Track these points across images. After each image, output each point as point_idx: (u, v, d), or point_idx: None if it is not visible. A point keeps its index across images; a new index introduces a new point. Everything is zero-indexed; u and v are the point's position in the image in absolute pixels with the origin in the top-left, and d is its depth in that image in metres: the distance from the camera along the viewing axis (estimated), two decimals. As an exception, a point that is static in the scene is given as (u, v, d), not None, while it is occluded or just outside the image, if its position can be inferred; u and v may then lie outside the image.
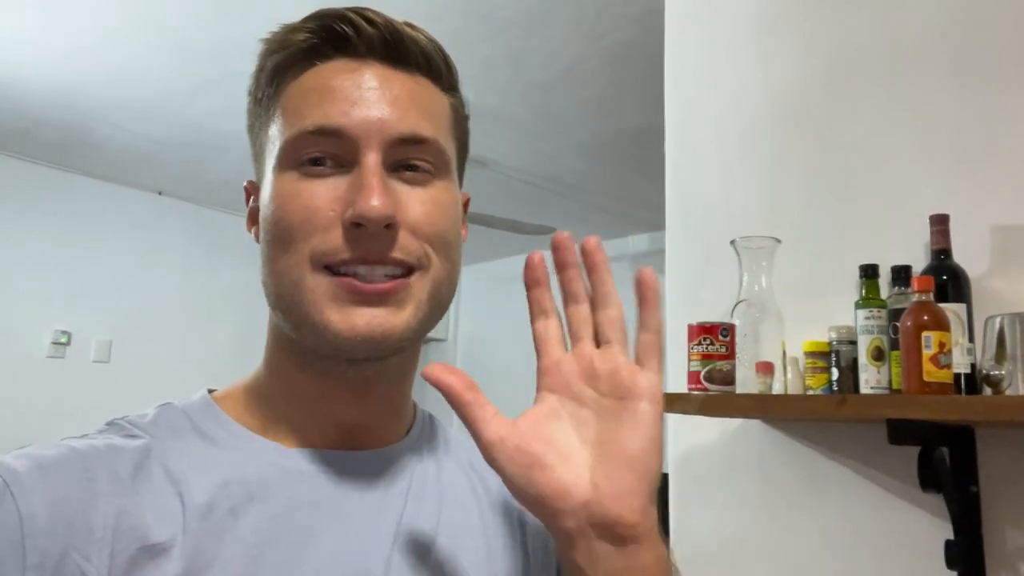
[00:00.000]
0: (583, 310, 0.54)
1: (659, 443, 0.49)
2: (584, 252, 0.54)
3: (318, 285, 0.54)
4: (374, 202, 0.52)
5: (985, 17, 1.34)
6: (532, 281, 0.54)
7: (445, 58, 0.62)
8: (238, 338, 4.54)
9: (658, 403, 0.50)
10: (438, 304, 0.58)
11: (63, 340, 4.14)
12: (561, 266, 0.54)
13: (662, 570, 0.50)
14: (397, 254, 0.55)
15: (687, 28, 1.76)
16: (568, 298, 0.54)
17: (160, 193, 4.56)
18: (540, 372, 0.53)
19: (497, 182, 4.05)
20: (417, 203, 0.56)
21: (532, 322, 0.54)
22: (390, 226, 0.54)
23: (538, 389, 0.53)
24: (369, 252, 0.54)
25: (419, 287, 0.56)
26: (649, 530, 0.49)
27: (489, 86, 2.96)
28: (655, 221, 4.66)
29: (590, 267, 0.54)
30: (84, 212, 4.28)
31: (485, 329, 5.86)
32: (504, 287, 5.55)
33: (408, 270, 0.55)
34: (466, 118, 0.65)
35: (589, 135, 3.47)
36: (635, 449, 0.49)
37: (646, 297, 0.53)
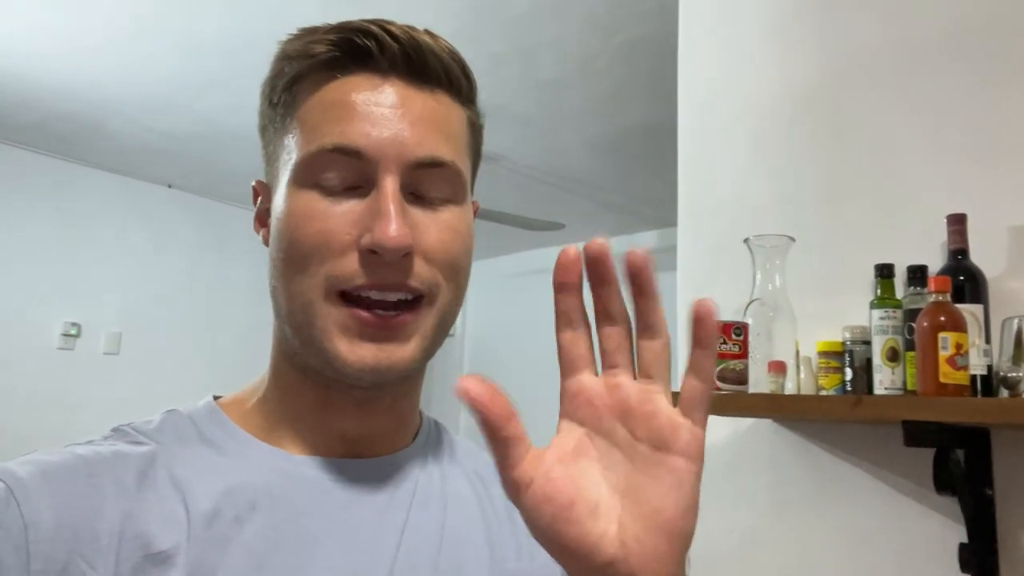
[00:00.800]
0: (621, 333, 0.45)
1: (697, 506, 0.44)
2: (630, 269, 0.44)
3: (330, 313, 0.54)
4: (392, 232, 0.52)
5: (1000, 16, 1.32)
6: (562, 284, 0.45)
7: (465, 70, 0.61)
8: (247, 329, 4.54)
9: (700, 462, 0.44)
10: (442, 331, 0.58)
11: (73, 332, 4.15)
12: (600, 281, 0.45)
13: None
14: (412, 282, 0.54)
15: (701, 25, 1.75)
16: (604, 318, 0.46)
17: (170, 186, 4.57)
18: (565, 395, 0.46)
19: (507, 178, 4.04)
20: (433, 230, 0.56)
21: (557, 332, 0.46)
22: (406, 255, 0.54)
23: (562, 416, 0.46)
24: (384, 279, 0.54)
25: (425, 318, 0.56)
26: None
27: (499, 82, 2.95)
28: (664, 218, 4.65)
29: (638, 288, 0.44)
30: (94, 205, 4.30)
31: (493, 325, 5.86)
32: (513, 283, 5.55)
33: (417, 298, 0.55)
34: (481, 128, 0.65)
35: (599, 132, 3.46)
36: (671, 512, 0.43)
37: (700, 337, 0.44)
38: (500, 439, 0.42)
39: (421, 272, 0.55)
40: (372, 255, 0.53)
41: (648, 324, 0.45)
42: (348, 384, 0.57)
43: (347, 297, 0.54)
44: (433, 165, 0.56)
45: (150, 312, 4.43)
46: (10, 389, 3.86)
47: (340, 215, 0.54)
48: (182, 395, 0.63)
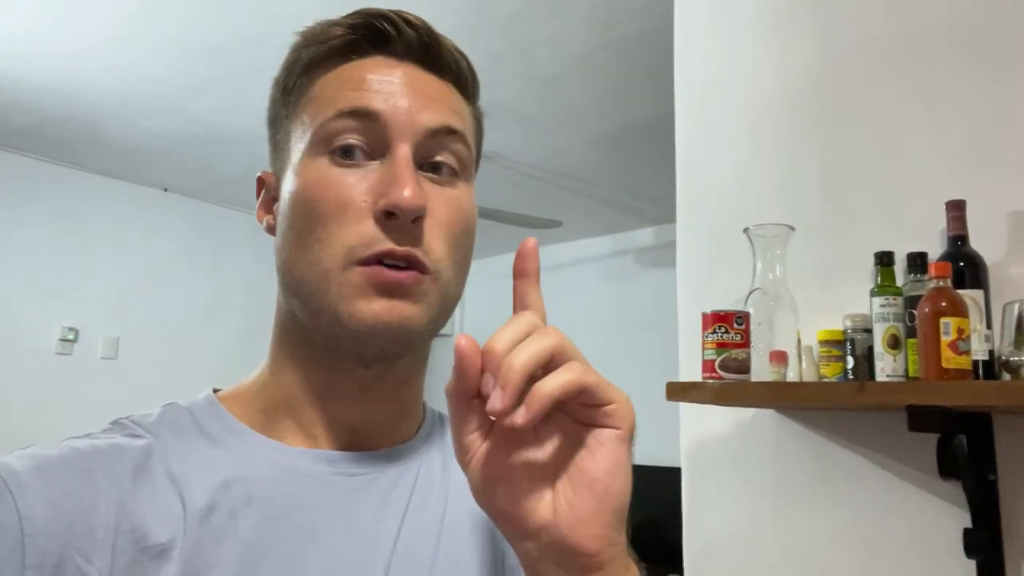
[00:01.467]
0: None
1: (626, 465, 0.46)
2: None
3: (347, 278, 0.54)
4: (407, 193, 0.53)
5: (1000, 4, 1.33)
6: (521, 270, 0.49)
7: (471, 68, 0.63)
8: (244, 333, 4.56)
9: (627, 425, 0.46)
10: (446, 306, 0.59)
11: (71, 337, 4.15)
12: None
13: None
14: (419, 253, 0.55)
15: (698, 18, 1.75)
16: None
17: (166, 190, 4.57)
18: None
19: (504, 176, 4.04)
20: (442, 203, 0.57)
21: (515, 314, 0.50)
22: (418, 220, 0.55)
23: None
24: (399, 242, 0.54)
25: (432, 289, 0.57)
26: (612, 558, 0.46)
27: (497, 80, 2.95)
28: (661, 215, 4.66)
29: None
30: (90, 208, 4.30)
31: (491, 323, 5.85)
32: (510, 282, 5.54)
33: (424, 271, 0.56)
34: (482, 128, 0.67)
35: (597, 129, 3.46)
36: (597, 472, 0.45)
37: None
38: (469, 399, 0.45)
39: (429, 243, 0.56)
40: (387, 218, 0.54)
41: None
42: (356, 359, 0.57)
43: (364, 264, 0.55)
44: (446, 132, 0.58)
45: (148, 316, 4.43)
46: (8, 394, 3.86)
47: (356, 182, 0.55)
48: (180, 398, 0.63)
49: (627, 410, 0.46)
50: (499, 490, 0.46)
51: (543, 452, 0.47)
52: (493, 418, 0.44)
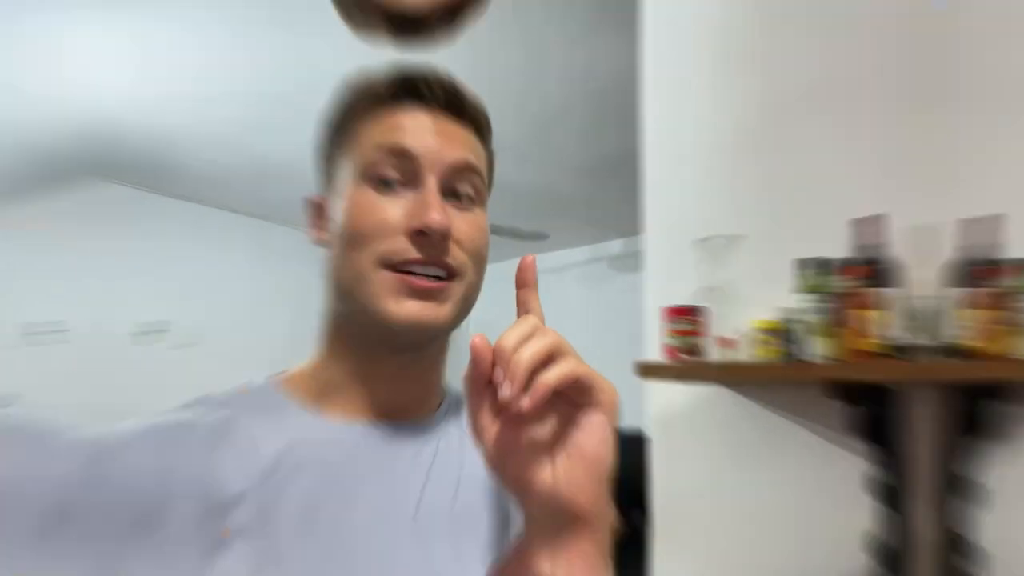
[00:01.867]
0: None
1: (610, 439, 0.47)
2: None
3: (380, 279, 0.55)
4: (436, 216, 0.54)
5: (915, 52, 1.33)
6: (522, 281, 0.50)
7: (487, 116, 0.64)
8: (293, 328, 4.54)
9: (612, 411, 0.47)
10: (467, 305, 0.59)
11: (157, 329, 4.14)
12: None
13: (601, 555, 0.48)
14: (449, 260, 0.56)
15: (659, 68, 1.75)
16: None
17: (233, 211, 4.56)
18: None
19: (501, 198, 4.03)
20: (464, 224, 0.58)
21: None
22: (445, 237, 0.55)
23: None
24: (429, 255, 0.55)
25: (457, 289, 0.57)
26: (597, 516, 0.47)
27: (495, 119, 2.95)
28: (629, 228, 4.65)
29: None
30: (174, 229, 4.29)
31: (487, 323, 5.81)
32: (503, 287, 5.54)
33: (452, 275, 0.56)
34: (494, 165, 0.67)
35: (578, 160, 3.47)
36: (588, 445, 0.46)
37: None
38: (482, 387, 0.46)
39: (455, 254, 0.56)
40: (419, 236, 0.54)
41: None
42: (390, 346, 0.57)
43: (394, 269, 0.55)
44: (466, 167, 0.58)
45: (217, 313, 4.42)
46: (96, 380, 3.84)
47: (392, 208, 0.56)
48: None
49: (612, 395, 0.47)
50: (508, 461, 0.47)
51: (544, 430, 0.47)
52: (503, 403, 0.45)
